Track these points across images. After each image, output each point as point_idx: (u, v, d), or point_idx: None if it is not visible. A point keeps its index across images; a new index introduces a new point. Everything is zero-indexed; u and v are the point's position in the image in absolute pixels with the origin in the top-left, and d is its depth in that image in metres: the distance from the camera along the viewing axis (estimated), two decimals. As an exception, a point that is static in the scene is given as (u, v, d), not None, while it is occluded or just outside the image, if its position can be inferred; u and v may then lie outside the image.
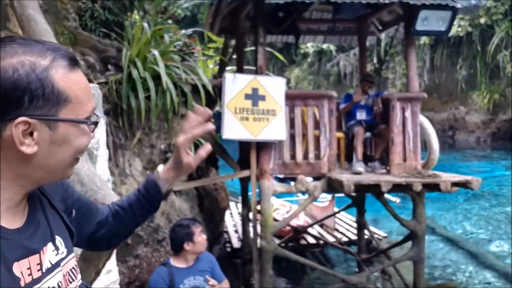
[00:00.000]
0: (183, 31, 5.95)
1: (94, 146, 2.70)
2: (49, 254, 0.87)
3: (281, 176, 4.88)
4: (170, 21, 6.31)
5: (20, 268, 0.78)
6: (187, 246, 3.04)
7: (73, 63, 0.83)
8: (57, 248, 0.90)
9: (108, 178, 2.38)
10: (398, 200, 7.67)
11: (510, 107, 19.14)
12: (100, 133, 2.88)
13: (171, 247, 3.21)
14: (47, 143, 0.79)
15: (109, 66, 4.27)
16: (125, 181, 4.21)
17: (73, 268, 0.95)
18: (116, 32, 4.68)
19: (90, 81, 3.71)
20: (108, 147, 4.04)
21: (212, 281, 3.01)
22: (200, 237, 3.05)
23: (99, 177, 1.99)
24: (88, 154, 2.40)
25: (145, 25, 4.05)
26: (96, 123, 0.88)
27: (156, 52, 3.92)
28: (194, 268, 3.08)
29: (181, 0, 6.55)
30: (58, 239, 0.92)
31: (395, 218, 5.00)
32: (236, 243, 6.68)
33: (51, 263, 0.87)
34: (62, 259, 0.91)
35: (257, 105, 4.54)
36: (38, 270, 0.82)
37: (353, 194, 5.84)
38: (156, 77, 4.02)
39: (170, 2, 6.17)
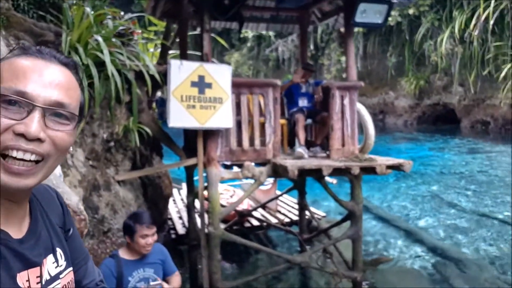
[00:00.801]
0: (123, 14, 5.73)
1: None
2: (49, 266, 0.87)
3: (228, 163, 4.95)
4: (105, 2, 6.04)
5: (22, 279, 0.79)
6: (127, 239, 3.00)
7: (25, 52, 0.82)
8: (57, 260, 0.90)
9: (60, 173, 2.30)
10: (335, 181, 8.09)
11: (434, 92, 20.69)
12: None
13: None
14: None
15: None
16: (67, 173, 4.05)
17: (70, 281, 0.95)
18: (52, 14, 4.41)
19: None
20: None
21: (160, 282, 2.95)
22: (142, 239, 2.91)
23: (54, 174, 1.93)
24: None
25: (87, 9, 3.87)
26: None
27: (99, 38, 3.77)
28: (143, 261, 3.00)
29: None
30: (59, 251, 0.92)
31: (334, 199, 5.29)
32: (180, 230, 6.69)
33: (50, 275, 0.87)
34: (61, 271, 0.91)
35: (203, 92, 4.54)
36: (38, 283, 0.82)
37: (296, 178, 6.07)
38: (99, 64, 3.88)
39: (107, -18, 5.88)
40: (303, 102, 5.74)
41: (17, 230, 0.83)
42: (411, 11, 18.46)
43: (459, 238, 7.53)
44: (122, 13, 6.06)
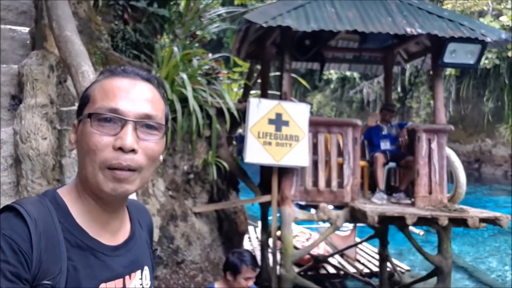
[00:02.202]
0: (210, 55, 6.06)
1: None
2: (136, 282, 0.91)
3: (303, 203, 4.82)
4: (197, 44, 6.45)
5: None
6: (228, 276, 2.96)
7: (112, 73, 0.90)
8: (142, 278, 0.94)
9: (134, 198, 2.38)
10: (422, 232, 7.45)
11: (539, 141, 18.62)
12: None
13: None
14: (77, 141, 0.87)
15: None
16: (147, 201, 4.23)
17: None
18: (146, 54, 4.80)
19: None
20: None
21: None
22: (244, 281, 2.86)
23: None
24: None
25: (175, 48, 4.14)
26: (90, 115, 0.83)
27: (184, 76, 3.99)
28: None
29: (210, 25, 6.70)
30: (146, 270, 0.96)
31: (419, 252, 4.85)
32: (253, 270, 6.56)
33: None
34: None
35: (280, 130, 4.54)
36: None
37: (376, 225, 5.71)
38: (183, 100, 4.08)
39: (198, 27, 6.31)
40: (385, 145, 5.47)
41: (113, 238, 0.89)
42: (510, 53, 17.17)
43: None
44: (210, 54, 6.42)
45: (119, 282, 0.87)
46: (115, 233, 0.91)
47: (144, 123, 0.85)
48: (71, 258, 0.80)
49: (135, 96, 0.86)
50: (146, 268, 0.96)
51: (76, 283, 0.79)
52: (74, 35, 2.54)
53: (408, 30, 4.44)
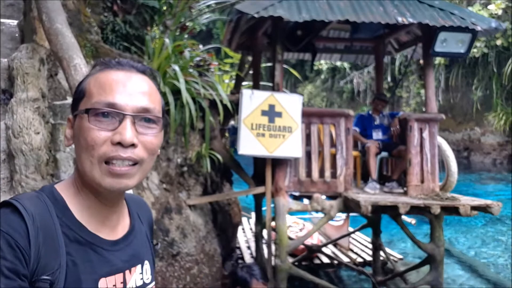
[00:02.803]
0: (201, 47, 6.01)
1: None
2: (136, 276, 0.91)
3: (296, 193, 4.83)
4: (186, 36, 6.39)
5: (106, 284, 0.83)
6: None
7: (107, 66, 0.88)
8: (143, 272, 0.93)
9: (129, 192, 2.36)
10: (413, 221, 7.53)
11: (527, 129, 18.86)
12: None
13: None
14: (74, 136, 0.86)
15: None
16: (141, 194, 4.21)
17: None
18: (136, 46, 4.75)
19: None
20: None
21: None
22: None
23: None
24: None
25: (167, 40, 4.10)
26: (87, 111, 0.82)
27: (176, 67, 3.96)
28: None
29: (200, 16, 6.63)
30: (147, 264, 0.96)
31: (412, 240, 4.90)
32: (248, 260, 6.60)
33: (136, 285, 0.90)
34: (146, 284, 0.94)
35: (273, 121, 4.54)
36: None
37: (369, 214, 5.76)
38: (175, 92, 4.05)
39: (189, 18, 6.25)
40: (377, 135, 5.50)
41: (112, 233, 0.89)
42: (499, 42, 17.29)
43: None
44: (200, 46, 6.37)
45: (119, 276, 0.87)
46: (114, 228, 0.91)
47: (142, 116, 0.84)
48: (70, 253, 0.80)
49: (132, 89, 0.84)
50: (146, 262, 0.96)
51: (75, 278, 0.79)
52: (64, 28, 2.50)
53: (399, 19, 4.44)
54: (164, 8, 5.52)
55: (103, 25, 4.76)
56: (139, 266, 0.92)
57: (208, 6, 7.30)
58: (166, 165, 4.50)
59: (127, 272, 0.89)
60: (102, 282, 0.83)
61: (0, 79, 2.72)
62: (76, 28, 4.04)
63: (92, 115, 0.81)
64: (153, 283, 0.98)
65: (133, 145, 0.81)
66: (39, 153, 2.30)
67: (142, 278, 0.93)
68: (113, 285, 0.85)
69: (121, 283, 0.87)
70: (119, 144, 0.80)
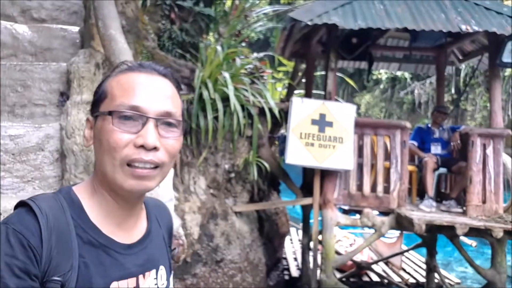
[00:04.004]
0: (254, 54, 6.03)
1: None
2: (150, 281, 0.90)
3: (346, 207, 4.67)
4: (243, 44, 6.45)
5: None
6: None
7: (129, 68, 0.87)
8: (157, 277, 0.92)
9: (171, 198, 2.39)
10: (474, 243, 7.02)
11: None
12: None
13: None
14: (95, 137, 0.86)
15: (182, 86, 4.41)
16: (188, 199, 4.26)
17: None
18: (191, 53, 4.85)
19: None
20: (175, 164, 4.14)
21: None
22: None
23: (163, 197, 1.99)
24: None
25: (219, 48, 4.15)
26: (110, 113, 0.81)
27: (226, 75, 3.98)
28: None
29: (255, 24, 6.68)
30: (162, 269, 0.94)
31: (470, 264, 4.55)
32: (294, 272, 6.49)
33: None
34: None
35: (323, 131, 4.42)
36: None
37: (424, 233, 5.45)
38: (225, 99, 4.08)
39: (244, 26, 6.31)
40: (436, 149, 5.19)
41: (127, 236, 0.88)
42: None
43: None
44: (255, 54, 6.40)
45: (132, 281, 0.85)
46: (130, 231, 0.89)
47: (165, 120, 0.84)
48: (82, 255, 0.79)
49: (154, 92, 0.84)
50: (162, 267, 0.93)
51: (87, 281, 0.78)
52: (118, 34, 2.59)
53: (463, 27, 4.17)
54: (219, 16, 5.61)
55: (160, 33, 4.91)
56: (153, 271, 0.91)
57: (265, 14, 7.34)
58: (214, 171, 4.53)
59: (140, 276, 0.87)
60: (113, 286, 0.82)
61: (59, 82, 2.87)
62: (134, 35, 4.19)
63: (115, 118, 0.81)
64: None
65: (155, 148, 0.81)
66: (88, 153, 2.38)
67: (156, 284, 0.91)
68: None
69: (134, 287, 0.85)
70: (142, 147, 0.80)
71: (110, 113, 0.82)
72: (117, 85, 0.85)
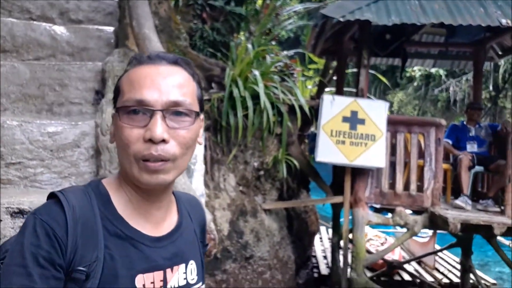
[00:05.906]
0: (284, 52, 6.01)
1: (192, 161, 2.78)
2: (179, 275, 0.89)
3: (377, 205, 4.59)
4: (273, 42, 6.44)
5: (143, 280, 0.82)
6: None
7: (138, 62, 0.86)
8: (187, 272, 0.91)
9: (202, 193, 2.42)
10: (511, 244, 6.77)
11: None
12: (199, 149, 2.98)
13: None
14: (115, 135, 0.86)
15: (213, 84, 4.46)
16: (218, 195, 4.31)
17: None
18: (222, 52, 4.88)
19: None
20: (205, 161, 4.20)
21: None
22: None
23: (194, 192, 2.02)
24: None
25: (249, 46, 4.16)
26: (117, 110, 0.82)
27: (257, 73, 3.99)
28: None
29: (285, 22, 6.66)
30: (192, 264, 0.93)
31: (508, 265, 4.39)
32: (324, 270, 6.44)
33: (178, 285, 0.88)
34: (191, 285, 0.92)
35: (355, 128, 4.36)
36: (161, 287, 0.85)
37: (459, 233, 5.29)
38: (255, 97, 4.09)
39: (275, 24, 6.30)
40: (472, 147, 5.03)
41: (156, 229, 0.88)
42: None
43: None
44: (284, 52, 6.38)
45: (158, 274, 0.85)
46: (158, 224, 0.89)
47: (173, 111, 0.82)
48: (108, 247, 0.80)
49: (161, 83, 0.82)
50: (192, 262, 0.93)
51: (112, 272, 0.79)
52: (151, 33, 2.65)
53: (503, 21, 4.01)
54: (250, 15, 5.63)
55: (192, 32, 4.97)
56: (182, 265, 0.90)
57: (296, 12, 7.30)
58: (243, 168, 4.55)
59: (168, 270, 0.86)
60: (139, 278, 0.81)
61: (94, 81, 2.97)
62: (166, 34, 4.27)
63: (123, 114, 0.82)
64: (200, 283, 0.94)
65: (163, 141, 0.80)
66: (122, 150, 2.44)
67: (185, 278, 0.90)
68: (151, 282, 0.83)
69: (161, 281, 0.85)
70: (151, 140, 0.79)
71: (117, 109, 0.83)
72: (126, 80, 0.85)
